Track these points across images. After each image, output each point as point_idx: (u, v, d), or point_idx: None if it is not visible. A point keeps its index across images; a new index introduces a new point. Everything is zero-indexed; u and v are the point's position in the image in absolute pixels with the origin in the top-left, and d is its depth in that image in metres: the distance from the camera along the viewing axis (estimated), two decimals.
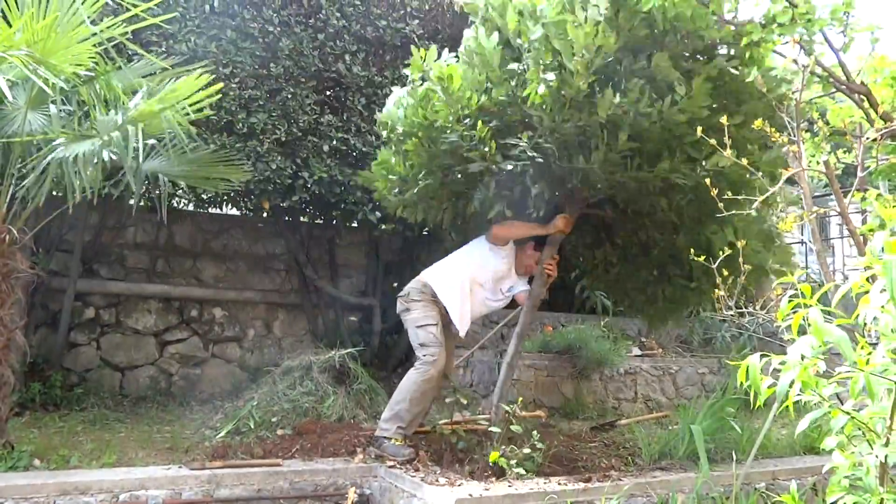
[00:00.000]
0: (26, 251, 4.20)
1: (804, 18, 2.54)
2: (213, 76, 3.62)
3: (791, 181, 2.87)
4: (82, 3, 3.12)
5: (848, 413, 1.77)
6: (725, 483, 3.48)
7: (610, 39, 2.83)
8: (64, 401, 5.03)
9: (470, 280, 3.86)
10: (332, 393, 4.59)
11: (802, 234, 8.26)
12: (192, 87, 3.49)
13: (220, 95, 3.79)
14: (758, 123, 2.60)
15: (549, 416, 5.20)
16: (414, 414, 3.73)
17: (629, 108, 2.94)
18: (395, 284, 5.80)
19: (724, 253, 2.70)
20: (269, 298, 6.40)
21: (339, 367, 4.84)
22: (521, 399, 3.89)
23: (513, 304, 4.19)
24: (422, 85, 3.56)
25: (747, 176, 3.12)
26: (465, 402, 4.05)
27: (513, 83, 3.28)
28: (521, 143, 3.26)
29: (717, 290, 2.67)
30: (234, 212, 6.49)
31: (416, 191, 3.83)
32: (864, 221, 2.47)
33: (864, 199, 2.98)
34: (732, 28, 2.88)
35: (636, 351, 6.43)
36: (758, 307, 2.71)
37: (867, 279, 1.73)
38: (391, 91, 4.15)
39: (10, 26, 2.99)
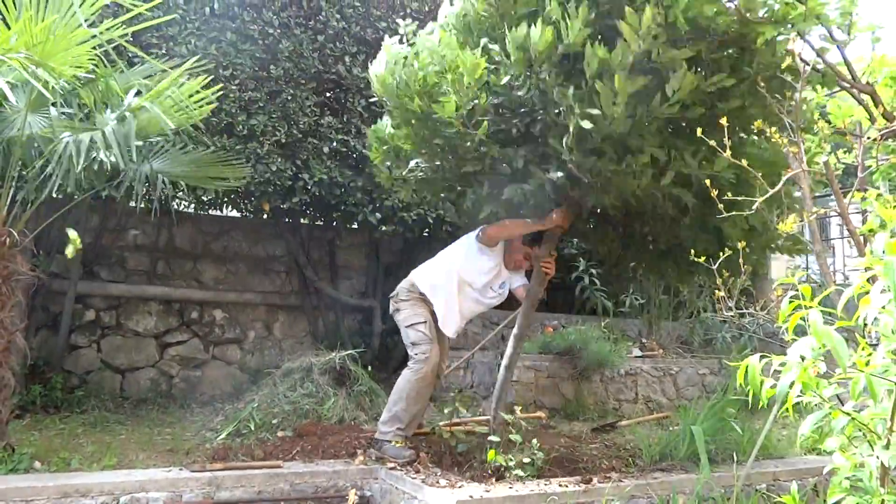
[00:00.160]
0: (27, 253, 4.20)
1: (813, 14, 2.52)
2: (213, 77, 3.64)
3: (790, 182, 2.87)
4: (80, 6, 3.12)
5: (848, 414, 1.77)
6: (726, 484, 3.47)
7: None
8: (64, 403, 5.03)
9: (458, 279, 3.81)
10: (332, 395, 4.59)
11: (803, 235, 8.26)
12: (191, 88, 3.50)
13: (218, 95, 3.81)
14: (758, 124, 2.60)
15: (550, 417, 5.20)
16: (412, 414, 3.72)
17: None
18: None
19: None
20: (270, 300, 6.40)
21: (340, 369, 4.84)
22: (519, 407, 3.89)
23: (515, 303, 4.15)
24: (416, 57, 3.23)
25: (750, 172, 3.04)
26: (463, 410, 4.04)
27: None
28: (559, 153, 3.05)
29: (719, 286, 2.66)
30: (235, 213, 6.50)
31: (405, 172, 3.70)
32: (864, 222, 2.46)
33: (864, 199, 2.97)
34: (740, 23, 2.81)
35: (636, 352, 6.42)
36: (758, 308, 2.70)
37: (867, 280, 1.73)
38: None
39: (9, 28, 2.99)
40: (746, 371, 1.83)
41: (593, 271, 7.11)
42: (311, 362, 4.80)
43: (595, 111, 2.74)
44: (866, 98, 3.00)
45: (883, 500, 1.74)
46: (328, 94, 5.48)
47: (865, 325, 1.66)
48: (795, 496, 2.05)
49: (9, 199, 3.47)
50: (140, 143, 3.69)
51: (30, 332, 5.09)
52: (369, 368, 5.12)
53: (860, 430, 1.82)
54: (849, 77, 2.92)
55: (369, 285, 6.70)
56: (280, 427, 4.25)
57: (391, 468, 3.51)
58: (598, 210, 3.96)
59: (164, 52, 4.74)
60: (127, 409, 5.24)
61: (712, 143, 2.60)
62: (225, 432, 4.16)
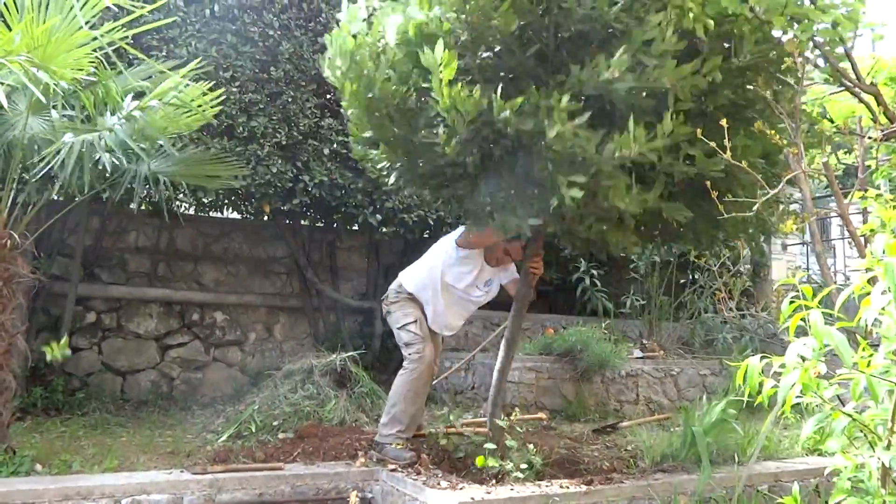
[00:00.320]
0: (27, 256, 4.21)
1: (825, 12, 2.50)
2: (214, 81, 3.64)
3: (791, 182, 2.87)
4: (81, 8, 3.12)
5: (849, 415, 1.77)
6: (728, 485, 3.47)
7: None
8: (65, 405, 5.03)
9: (440, 280, 3.79)
10: (333, 396, 4.59)
11: (803, 236, 8.26)
12: (194, 92, 3.51)
13: (220, 98, 3.81)
14: (758, 125, 2.60)
15: (551, 418, 5.20)
16: (411, 415, 3.72)
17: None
18: None
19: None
20: (270, 302, 6.40)
21: (341, 371, 4.84)
22: (515, 413, 3.86)
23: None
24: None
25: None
26: (455, 417, 4.01)
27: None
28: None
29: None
30: (235, 215, 6.50)
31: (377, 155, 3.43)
32: (864, 222, 2.47)
33: (864, 198, 2.97)
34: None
35: (637, 353, 6.41)
36: (759, 309, 2.70)
37: (868, 281, 1.73)
38: None
39: (10, 30, 2.99)
40: (746, 372, 1.84)
41: (594, 272, 7.11)
42: (312, 364, 4.80)
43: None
44: (869, 98, 3.00)
45: (884, 501, 1.74)
46: (328, 96, 5.48)
47: (866, 326, 1.66)
48: (797, 497, 2.04)
49: (9, 202, 3.47)
50: (144, 145, 3.70)
51: (31, 334, 5.09)
52: (370, 370, 5.12)
53: (861, 431, 1.82)
54: (853, 77, 2.92)
55: (370, 287, 6.70)
56: (281, 429, 4.25)
57: (392, 470, 3.51)
58: None
59: (164, 54, 4.74)
60: (128, 411, 5.25)
61: (713, 144, 2.59)
62: (226, 434, 4.16)
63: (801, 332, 1.78)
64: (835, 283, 2.66)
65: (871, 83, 3.05)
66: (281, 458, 3.74)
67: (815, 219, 2.67)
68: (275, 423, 4.28)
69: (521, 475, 3.28)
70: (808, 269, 8.82)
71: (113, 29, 3.30)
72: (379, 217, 5.59)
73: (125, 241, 6.01)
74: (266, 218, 5.85)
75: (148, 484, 3.16)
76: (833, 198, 2.99)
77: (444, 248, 3.86)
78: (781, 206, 3.05)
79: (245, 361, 6.22)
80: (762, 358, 1.83)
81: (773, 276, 8.27)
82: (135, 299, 5.85)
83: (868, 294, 1.67)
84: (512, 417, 3.70)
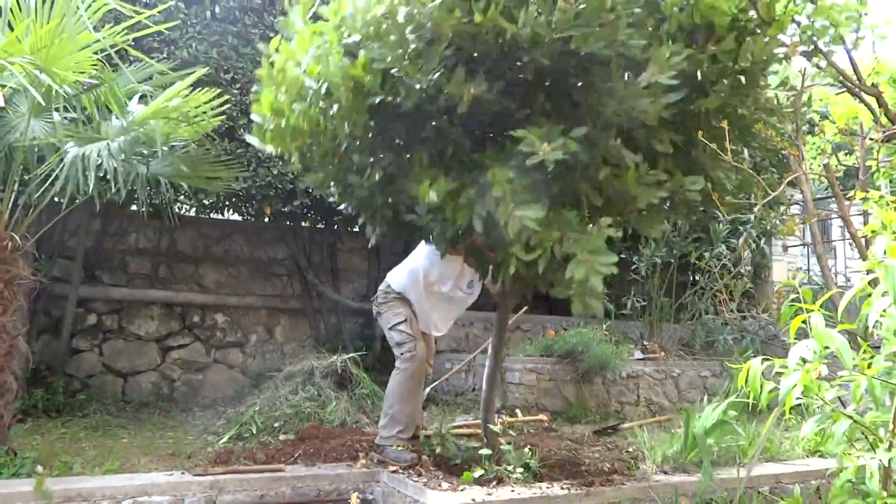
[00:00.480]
0: (28, 258, 4.21)
1: (825, 14, 2.50)
2: (214, 81, 3.65)
3: (792, 184, 2.87)
4: (85, 10, 3.13)
5: (851, 417, 1.77)
6: (729, 486, 3.46)
7: None
8: (66, 407, 5.03)
9: (423, 280, 3.81)
10: (334, 398, 4.59)
11: (804, 237, 8.27)
12: (198, 99, 3.52)
13: (222, 101, 3.82)
14: (759, 127, 2.59)
15: (552, 419, 5.19)
16: (408, 414, 3.72)
17: None
18: None
19: None
20: (271, 303, 6.40)
21: (342, 372, 4.84)
22: (511, 418, 3.85)
23: (523, 301, 4.06)
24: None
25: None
26: (448, 424, 3.98)
27: None
28: None
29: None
30: (236, 217, 6.50)
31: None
32: (865, 223, 2.46)
33: (865, 200, 2.97)
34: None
35: (638, 354, 6.42)
36: (760, 310, 2.70)
37: (869, 283, 1.73)
38: None
39: (13, 30, 3.00)
40: (748, 373, 1.84)
41: None
42: (313, 365, 4.80)
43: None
44: (870, 100, 3.00)
45: (885, 503, 1.74)
46: None
47: (867, 328, 1.66)
48: (799, 499, 2.05)
49: (10, 204, 3.48)
50: (145, 151, 3.71)
51: (32, 336, 5.10)
52: (371, 371, 5.12)
53: (862, 433, 1.82)
54: (854, 79, 2.92)
55: (371, 288, 6.69)
56: (282, 430, 4.25)
57: (393, 471, 3.51)
58: None
59: (164, 55, 4.75)
60: (129, 412, 5.25)
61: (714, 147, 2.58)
62: (227, 436, 4.16)
63: (802, 334, 1.78)
64: (835, 284, 2.66)
65: (873, 84, 3.05)
66: (282, 459, 3.74)
67: (816, 220, 2.67)
68: (276, 425, 4.28)
69: (519, 477, 3.28)
70: (808, 270, 8.81)
71: (115, 31, 3.30)
72: None
73: (126, 242, 6.01)
74: (267, 219, 5.86)
75: (149, 485, 3.16)
76: (834, 199, 2.99)
77: (428, 249, 3.87)
78: (782, 207, 3.05)
79: (246, 363, 6.22)
80: (763, 360, 1.83)
81: (773, 278, 8.26)
82: (136, 301, 5.85)
83: (869, 296, 1.67)
84: (510, 418, 3.69)
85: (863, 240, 2.69)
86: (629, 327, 7.21)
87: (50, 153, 3.56)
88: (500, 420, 4.19)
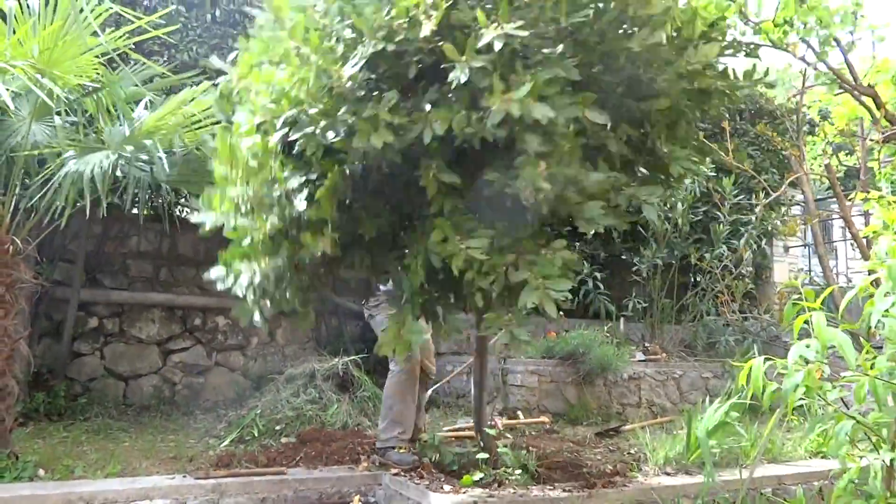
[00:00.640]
0: (30, 261, 4.21)
1: (819, 15, 2.50)
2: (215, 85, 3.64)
3: (793, 184, 2.87)
4: (91, 12, 3.13)
5: (854, 418, 1.76)
6: (731, 488, 3.46)
7: None
8: (68, 411, 5.03)
9: None
10: (335, 400, 4.59)
11: (805, 237, 8.26)
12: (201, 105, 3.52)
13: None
14: (760, 127, 2.59)
15: (553, 421, 5.19)
16: (407, 416, 3.72)
17: None
18: None
19: None
20: None
21: (343, 375, 4.84)
22: (512, 420, 3.84)
23: None
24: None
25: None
26: (427, 437, 3.97)
27: None
28: None
29: None
30: None
31: None
32: (866, 224, 2.46)
33: (866, 200, 2.97)
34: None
35: (640, 356, 6.41)
36: (761, 311, 2.69)
37: (871, 283, 1.73)
38: None
39: (15, 33, 3.00)
40: (750, 374, 1.83)
41: (596, 275, 7.11)
42: (314, 368, 4.80)
43: None
44: (868, 101, 3.00)
45: (888, 503, 1.74)
46: None
47: (870, 328, 1.66)
48: (801, 500, 2.04)
49: (12, 207, 3.48)
50: (146, 157, 3.71)
51: (33, 339, 5.09)
52: (372, 374, 5.12)
53: (865, 434, 1.82)
54: (850, 80, 2.92)
55: (371, 290, 6.70)
56: (283, 433, 4.24)
57: (395, 474, 3.51)
58: None
59: (165, 59, 4.75)
60: (130, 416, 5.24)
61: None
62: (228, 439, 4.16)
63: (805, 334, 1.77)
64: (837, 284, 2.65)
65: (869, 85, 3.06)
66: (284, 462, 3.74)
67: (817, 221, 2.67)
68: (277, 428, 4.28)
69: (518, 479, 3.28)
70: (810, 271, 8.81)
71: (116, 36, 3.31)
72: None
73: (127, 246, 6.01)
74: None
75: (151, 489, 3.16)
76: (835, 200, 2.99)
77: None
78: (783, 208, 3.05)
79: (247, 366, 6.21)
80: (765, 360, 1.83)
81: (775, 279, 8.26)
82: (137, 304, 5.85)
83: (871, 296, 1.67)
84: (512, 420, 3.68)
85: (864, 240, 2.69)
86: (631, 329, 7.21)
87: (51, 157, 3.56)
88: (492, 422, 4.18)
